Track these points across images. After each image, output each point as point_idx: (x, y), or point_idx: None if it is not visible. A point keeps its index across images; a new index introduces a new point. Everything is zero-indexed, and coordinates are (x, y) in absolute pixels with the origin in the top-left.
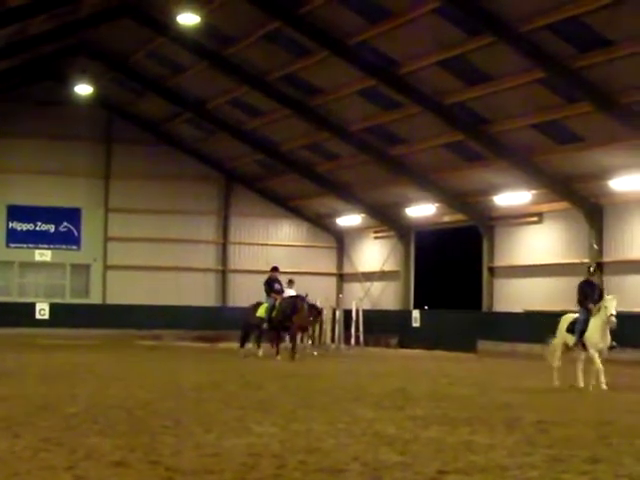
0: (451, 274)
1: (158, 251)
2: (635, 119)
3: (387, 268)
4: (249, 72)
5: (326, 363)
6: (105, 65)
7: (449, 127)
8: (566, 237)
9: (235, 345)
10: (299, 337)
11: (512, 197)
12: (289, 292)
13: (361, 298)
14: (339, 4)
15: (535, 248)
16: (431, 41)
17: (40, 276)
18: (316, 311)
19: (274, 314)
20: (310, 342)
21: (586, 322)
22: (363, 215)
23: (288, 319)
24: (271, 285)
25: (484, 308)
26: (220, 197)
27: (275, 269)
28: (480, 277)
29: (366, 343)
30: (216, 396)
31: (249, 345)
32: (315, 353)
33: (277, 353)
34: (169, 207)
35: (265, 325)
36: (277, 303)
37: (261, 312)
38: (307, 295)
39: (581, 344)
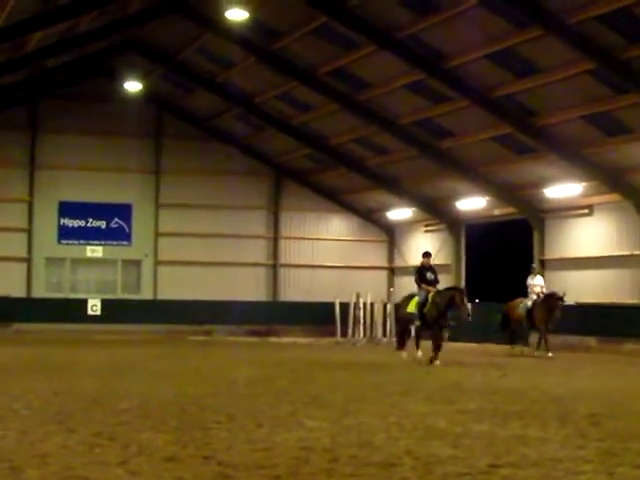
0: (502, 267)
1: (209, 246)
2: None
3: (438, 262)
4: (297, 67)
5: (378, 357)
6: (154, 61)
7: (498, 120)
8: (617, 229)
9: (287, 339)
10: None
11: (562, 189)
12: (537, 282)
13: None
14: None
15: (586, 240)
16: (479, 34)
17: (91, 272)
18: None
19: (426, 310)
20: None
21: None
22: (413, 209)
23: (443, 316)
24: (422, 275)
25: None
26: (270, 192)
27: (427, 255)
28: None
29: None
30: (268, 391)
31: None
32: (550, 354)
33: (435, 358)
34: (219, 202)
35: (417, 323)
36: (430, 296)
37: (412, 307)
38: (564, 294)
39: None
